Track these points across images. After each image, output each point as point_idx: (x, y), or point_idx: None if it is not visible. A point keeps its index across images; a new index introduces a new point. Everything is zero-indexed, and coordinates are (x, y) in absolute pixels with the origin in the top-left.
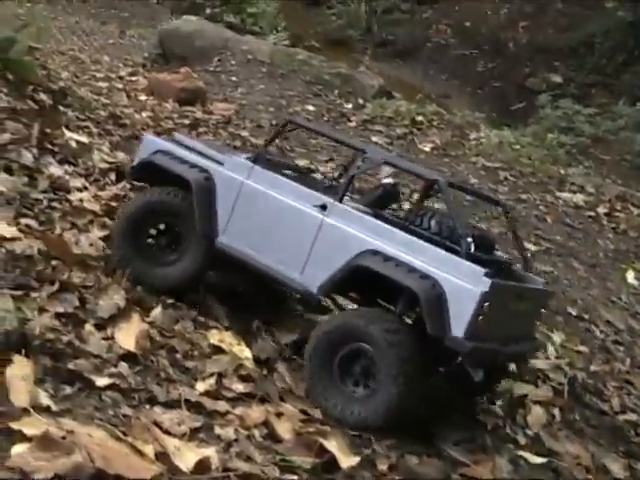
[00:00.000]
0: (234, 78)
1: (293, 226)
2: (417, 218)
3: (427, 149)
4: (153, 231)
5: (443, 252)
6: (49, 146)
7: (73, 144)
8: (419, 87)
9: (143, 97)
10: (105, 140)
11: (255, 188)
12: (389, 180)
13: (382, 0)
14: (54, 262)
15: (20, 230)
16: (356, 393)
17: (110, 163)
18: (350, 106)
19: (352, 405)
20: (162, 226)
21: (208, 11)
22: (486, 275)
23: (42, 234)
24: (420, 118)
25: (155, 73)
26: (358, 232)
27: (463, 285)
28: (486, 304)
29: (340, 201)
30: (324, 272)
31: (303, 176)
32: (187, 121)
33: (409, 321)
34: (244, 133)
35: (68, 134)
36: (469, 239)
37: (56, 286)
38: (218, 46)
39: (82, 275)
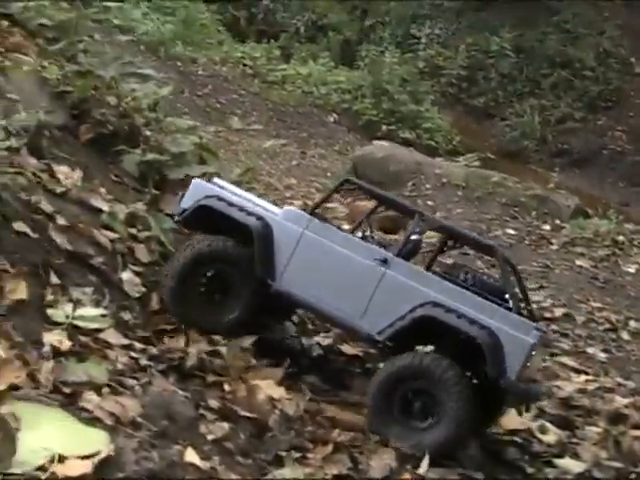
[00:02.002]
0: (430, 202)
1: (354, 276)
2: (460, 274)
3: (632, 270)
4: (204, 278)
5: (498, 307)
6: None
7: None
8: (597, 196)
9: (346, 226)
10: None
11: (316, 239)
12: (417, 237)
13: (555, 110)
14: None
15: (287, 389)
16: (417, 425)
17: None
18: (548, 227)
19: (413, 435)
20: (212, 272)
21: (384, 128)
22: (535, 328)
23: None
24: (621, 238)
25: (351, 199)
26: (419, 285)
27: (518, 336)
28: (533, 352)
29: (398, 256)
30: (384, 319)
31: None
32: None
33: None
34: (449, 260)
35: None
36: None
37: (330, 447)
38: (411, 170)
39: (349, 434)
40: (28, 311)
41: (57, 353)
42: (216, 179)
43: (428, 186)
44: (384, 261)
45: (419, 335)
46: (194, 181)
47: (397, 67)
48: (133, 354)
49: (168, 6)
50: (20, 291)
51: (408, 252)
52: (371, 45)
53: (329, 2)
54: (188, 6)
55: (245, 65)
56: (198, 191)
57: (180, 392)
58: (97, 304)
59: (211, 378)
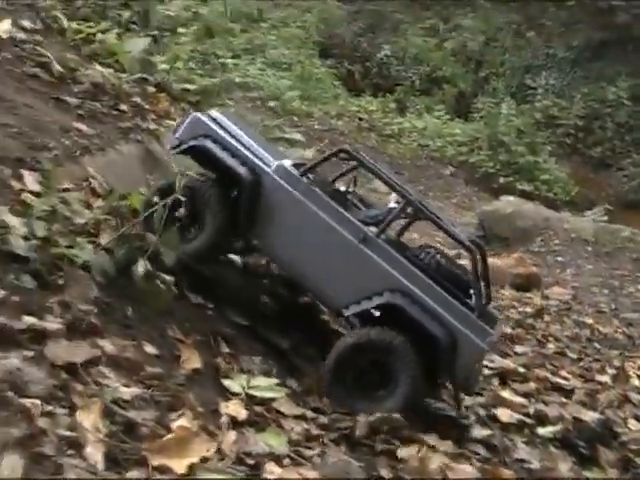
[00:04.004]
0: (560, 258)
1: (332, 247)
2: (427, 258)
3: None
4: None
5: (462, 308)
6: None
7: None
8: None
9: None
10: None
11: (301, 201)
12: (394, 205)
13: None
14: None
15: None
16: (376, 393)
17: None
18: None
19: (374, 403)
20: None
21: (501, 180)
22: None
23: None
24: None
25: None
26: (392, 270)
27: (475, 341)
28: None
29: (378, 236)
30: (353, 295)
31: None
32: (529, 309)
33: None
34: (588, 320)
35: None
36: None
37: None
38: (540, 226)
39: None
40: (203, 380)
41: (235, 423)
42: (215, 112)
43: (557, 242)
44: (363, 239)
45: (382, 315)
46: (193, 115)
47: (513, 118)
48: (304, 423)
49: (284, 62)
50: (194, 360)
51: (383, 219)
52: (486, 97)
53: (443, 55)
54: (303, 61)
55: (361, 119)
56: (195, 127)
57: (354, 462)
58: (266, 373)
59: (380, 446)
